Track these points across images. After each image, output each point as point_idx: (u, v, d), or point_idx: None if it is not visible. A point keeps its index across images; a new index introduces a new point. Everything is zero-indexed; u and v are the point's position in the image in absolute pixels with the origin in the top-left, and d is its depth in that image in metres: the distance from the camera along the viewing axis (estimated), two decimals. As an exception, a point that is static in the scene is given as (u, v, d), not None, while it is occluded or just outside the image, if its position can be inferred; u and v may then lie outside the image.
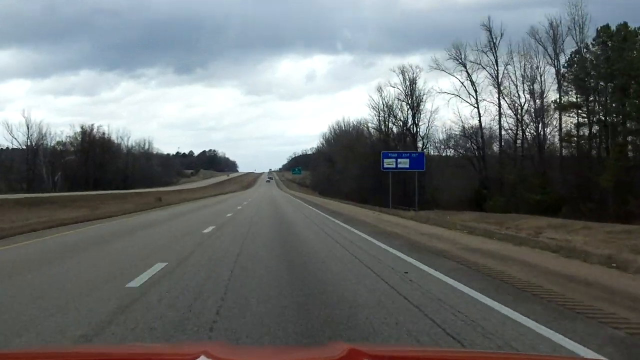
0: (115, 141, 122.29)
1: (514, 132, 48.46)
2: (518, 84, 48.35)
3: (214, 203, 47.93)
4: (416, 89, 67.11)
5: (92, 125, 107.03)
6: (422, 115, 66.60)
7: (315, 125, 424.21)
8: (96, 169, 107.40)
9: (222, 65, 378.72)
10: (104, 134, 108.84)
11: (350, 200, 64.73)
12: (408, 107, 67.41)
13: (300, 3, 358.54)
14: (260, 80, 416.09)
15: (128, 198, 48.10)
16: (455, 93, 55.05)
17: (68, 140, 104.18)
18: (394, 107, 68.88)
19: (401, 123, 69.35)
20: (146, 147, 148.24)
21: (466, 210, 51.29)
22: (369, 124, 76.09)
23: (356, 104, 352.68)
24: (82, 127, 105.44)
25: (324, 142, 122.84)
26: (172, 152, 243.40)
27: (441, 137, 68.04)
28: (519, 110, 48.19)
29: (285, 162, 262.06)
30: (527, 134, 47.28)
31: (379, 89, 74.92)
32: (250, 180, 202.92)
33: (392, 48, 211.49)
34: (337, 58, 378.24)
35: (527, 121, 46.99)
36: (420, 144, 67.35)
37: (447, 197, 60.59)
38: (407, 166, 38.29)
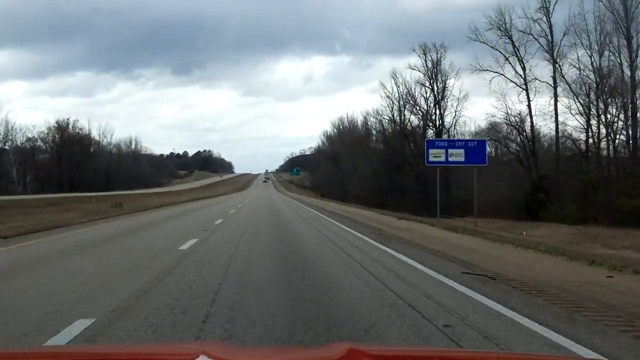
0: (97, 138, 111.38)
1: (585, 117, 37.53)
2: (591, 53, 37.45)
3: (193, 209, 37.22)
4: (440, 72, 56.26)
5: (68, 119, 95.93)
6: (448, 103, 55.72)
7: (313, 127, 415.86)
8: (72, 169, 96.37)
9: (220, 66, 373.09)
10: (80, 129, 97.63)
11: (362, 204, 53.84)
12: (430, 91, 56.49)
13: (299, 4, 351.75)
14: (258, 81, 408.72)
15: (79, 203, 37.08)
16: (499, 71, 44.16)
17: (40, 136, 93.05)
18: (414, 91, 57.93)
19: (421, 113, 58.40)
20: (133, 145, 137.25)
21: (518, 220, 40.50)
22: (383, 116, 65.09)
23: (354, 105, 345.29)
24: (57, 122, 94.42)
25: (325, 140, 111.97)
26: (167, 152, 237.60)
27: (472, 129, 57.26)
28: (587, 91, 37.30)
29: (282, 163, 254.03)
30: (600, 120, 36.36)
31: (393, 75, 64.05)
32: (246, 181, 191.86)
33: (390, 49, 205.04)
34: (336, 59, 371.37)
35: (601, 106, 36.07)
36: (445, 137, 56.33)
37: (483, 201, 49.64)
38: (462, 159, 27.26)
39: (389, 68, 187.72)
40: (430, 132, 58.60)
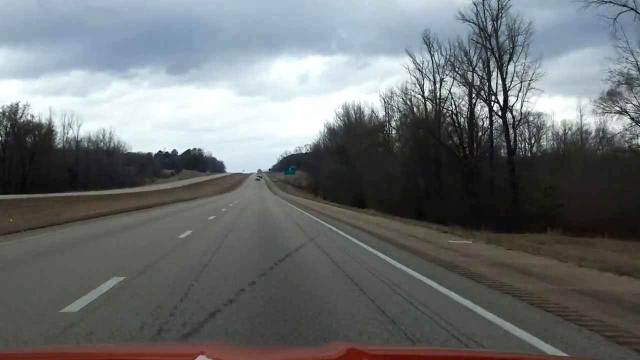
0: (60, 130, 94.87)
1: None
2: None
3: (134, 225, 21.65)
4: (502, 25, 40.16)
5: (17, 104, 79.05)
6: (515, 68, 39.48)
7: (308, 127, 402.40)
8: (25, 165, 79.81)
9: (216, 66, 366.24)
10: (32, 117, 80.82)
11: (390, 212, 37.69)
12: (487, 52, 40.32)
13: (298, 4, 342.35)
14: (254, 81, 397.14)
15: None
16: (629, 4, 28.12)
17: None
18: (469, 52, 41.76)
19: (471, 85, 42.19)
20: (107, 139, 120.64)
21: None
22: (414, 94, 48.86)
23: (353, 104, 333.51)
24: (2, 109, 77.53)
25: (326, 134, 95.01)
26: (156, 151, 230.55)
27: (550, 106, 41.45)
28: None
29: (275, 162, 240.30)
30: None
31: (426, 39, 47.89)
32: (236, 181, 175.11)
33: (390, 49, 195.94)
34: (332, 59, 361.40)
35: None
36: (509, 117, 40.12)
37: (581, 210, 33.70)
38: None
39: (386, 68, 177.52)
40: (484, 111, 42.45)
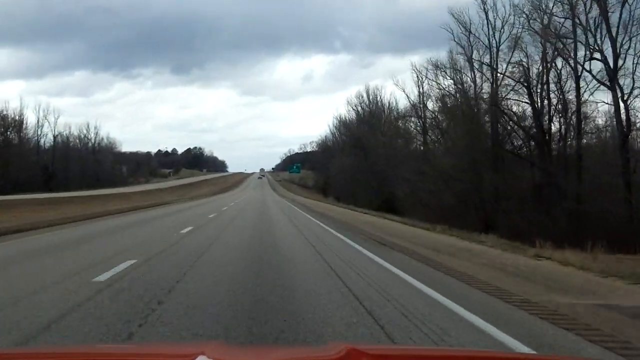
0: (34, 124, 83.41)
1: None
2: None
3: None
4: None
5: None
6: (630, 14, 27.39)
7: (313, 126, 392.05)
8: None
9: (219, 66, 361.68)
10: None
11: (437, 221, 25.80)
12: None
13: (298, 4, 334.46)
14: (256, 81, 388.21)
15: None
16: None
17: None
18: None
19: (557, 36, 30.20)
20: (92, 135, 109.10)
21: None
22: (461, 62, 36.98)
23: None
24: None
25: (336, 127, 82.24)
26: (159, 150, 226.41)
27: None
28: None
29: (278, 162, 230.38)
30: None
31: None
32: (236, 180, 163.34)
33: (391, 48, 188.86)
34: (336, 58, 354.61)
35: None
36: (619, 93, 28.04)
37: None
38: None
39: (388, 68, 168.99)
40: (570, 81, 30.49)
